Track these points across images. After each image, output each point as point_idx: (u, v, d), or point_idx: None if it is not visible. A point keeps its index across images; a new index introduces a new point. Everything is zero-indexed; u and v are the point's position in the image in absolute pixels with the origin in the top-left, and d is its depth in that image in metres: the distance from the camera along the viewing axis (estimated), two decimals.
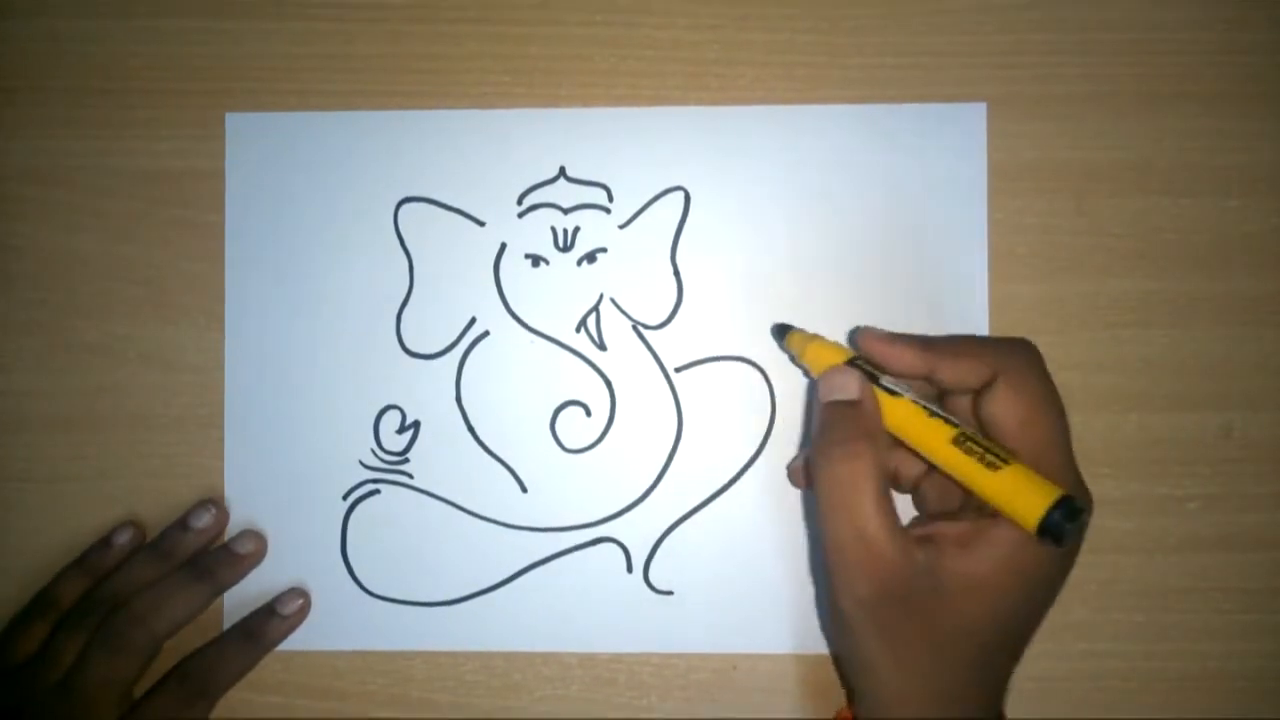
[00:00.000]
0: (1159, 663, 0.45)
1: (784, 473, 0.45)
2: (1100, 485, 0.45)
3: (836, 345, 0.41)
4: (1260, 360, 0.45)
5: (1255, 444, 0.45)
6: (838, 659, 0.44)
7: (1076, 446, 0.45)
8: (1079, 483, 0.37)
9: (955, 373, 0.37)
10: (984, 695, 0.38)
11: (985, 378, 0.37)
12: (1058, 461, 0.36)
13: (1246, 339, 0.45)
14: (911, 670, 0.36)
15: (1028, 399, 0.36)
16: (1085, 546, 0.44)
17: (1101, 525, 0.45)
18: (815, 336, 0.41)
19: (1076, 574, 0.45)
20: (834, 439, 0.37)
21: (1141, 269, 0.45)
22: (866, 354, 0.39)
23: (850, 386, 0.37)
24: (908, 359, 0.38)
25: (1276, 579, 0.45)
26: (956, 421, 0.36)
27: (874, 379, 0.38)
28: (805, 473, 0.43)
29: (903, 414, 0.37)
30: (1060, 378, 0.45)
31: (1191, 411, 0.45)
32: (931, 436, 0.36)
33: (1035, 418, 0.36)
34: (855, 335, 0.40)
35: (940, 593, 0.35)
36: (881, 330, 0.39)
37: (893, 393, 0.37)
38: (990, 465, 0.34)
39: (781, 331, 0.43)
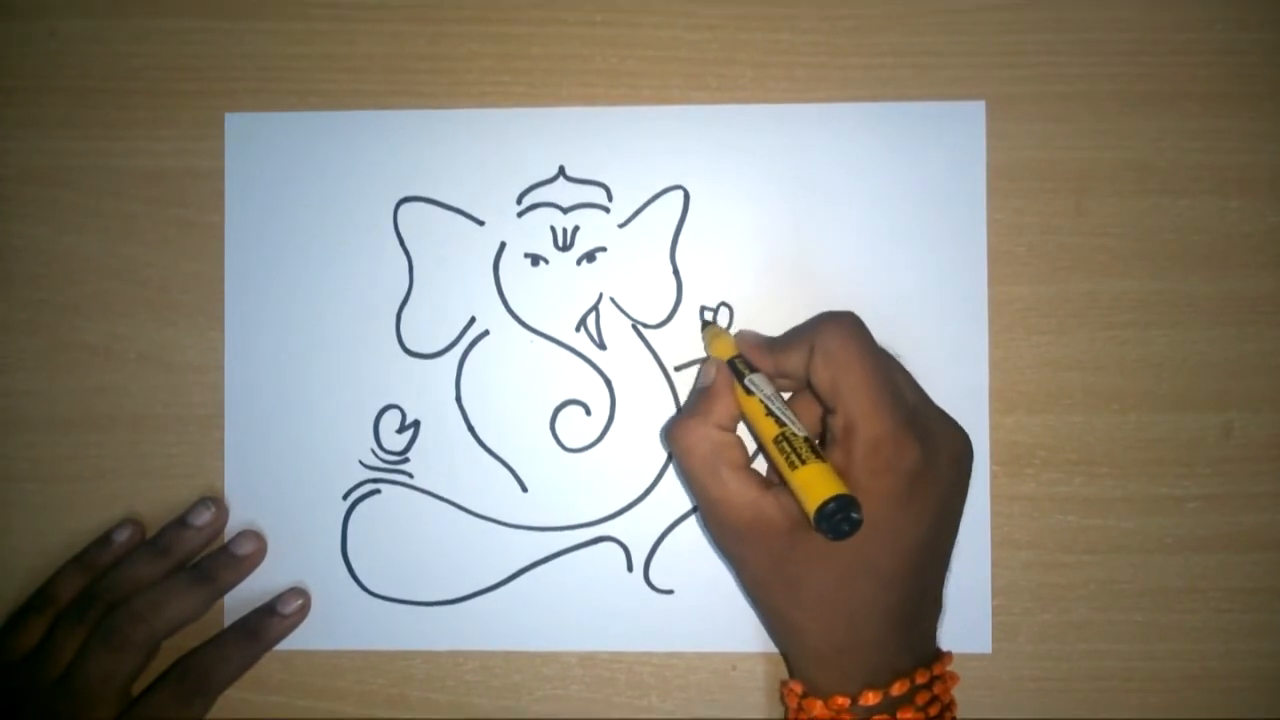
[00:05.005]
0: (1159, 663, 0.45)
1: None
2: (1100, 485, 0.45)
3: (729, 343, 0.43)
4: (1260, 360, 0.45)
5: (1255, 444, 0.45)
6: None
7: (1077, 446, 0.45)
8: (902, 427, 0.38)
9: (789, 362, 0.41)
10: (883, 632, 0.40)
11: (808, 355, 0.40)
12: (868, 410, 0.38)
13: (1246, 339, 0.45)
14: (793, 608, 0.40)
15: (834, 360, 0.39)
16: (1085, 546, 0.45)
17: (1101, 525, 0.45)
18: (721, 332, 0.44)
19: (1077, 574, 0.45)
20: (682, 416, 0.42)
21: (1141, 269, 0.45)
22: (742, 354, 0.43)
23: (709, 375, 0.42)
24: (760, 360, 0.42)
25: (1276, 579, 0.45)
26: (787, 422, 0.39)
27: (742, 377, 0.41)
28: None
29: (750, 409, 0.41)
30: (1060, 378, 0.45)
31: (1191, 411, 0.45)
32: (763, 431, 0.40)
33: (841, 375, 0.39)
34: (736, 337, 0.44)
35: (794, 534, 0.39)
36: (750, 334, 0.44)
37: (748, 391, 0.41)
38: (791, 464, 0.38)
39: (704, 325, 0.46)
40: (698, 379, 0.44)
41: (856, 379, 0.39)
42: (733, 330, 0.45)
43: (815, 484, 0.37)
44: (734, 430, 0.41)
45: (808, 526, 0.38)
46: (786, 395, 0.43)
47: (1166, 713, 0.45)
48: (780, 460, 0.39)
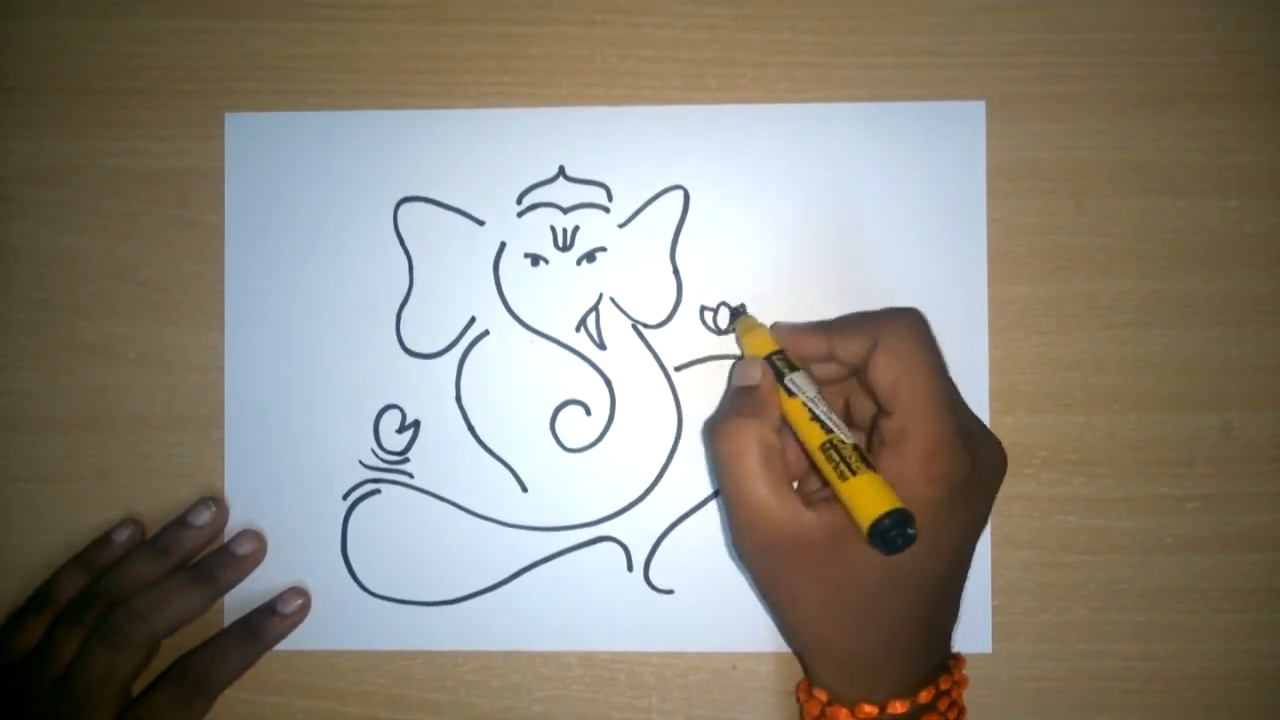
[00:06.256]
0: (1159, 663, 0.45)
1: None
2: (1100, 485, 0.45)
3: (767, 336, 0.42)
4: (1260, 360, 0.45)
5: (1255, 444, 0.45)
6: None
7: (1077, 446, 0.45)
8: (955, 437, 0.38)
9: (847, 349, 0.40)
10: (914, 640, 0.40)
11: (869, 348, 0.39)
12: (927, 417, 0.38)
13: (1246, 339, 0.45)
14: (825, 621, 0.40)
15: (899, 362, 0.38)
16: (1085, 546, 0.45)
17: (1101, 525, 0.45)
18: (756, 325, 0.43)
19: (1077, 574, 0.45)
20: (727, 417, 0.40)
21: (1141, 269, 0.45)
22: (783, 346, 0.42)
23: (754, 375, 0.41)
24: (810, 344, 0.41)
25: (1276, 579, 0.45)
26: (834, 427, 0.38)
27: (781, 376, 0.40)
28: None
29: (794, 413, 0.40)
30: (1060, 378, 0.45)
31: (1191, 411, 0.45)
32: (808, 436, 0.39)
33: (905, 379, 0.38)
34: (773, 329, 0.43)
35: (836, 547, 0.38)
36: (792, 323, 0.43)
37: (790, 393, 0.40)
38: (841, 475, 0.37)
39: (735, 316, 0.45)
40: (734, 377, 0.43)
41: (920, 384, 0.38)
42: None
43: (869, 497, 0.36)
44: (781, 434, 0.40)
45: (848, 540, 0.37)
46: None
47: (1166, 713, 0.45)
48: (828, 469, 0.38)
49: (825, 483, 0.39)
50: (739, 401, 0.41)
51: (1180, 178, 0.45)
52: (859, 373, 0.40)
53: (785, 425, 0.40)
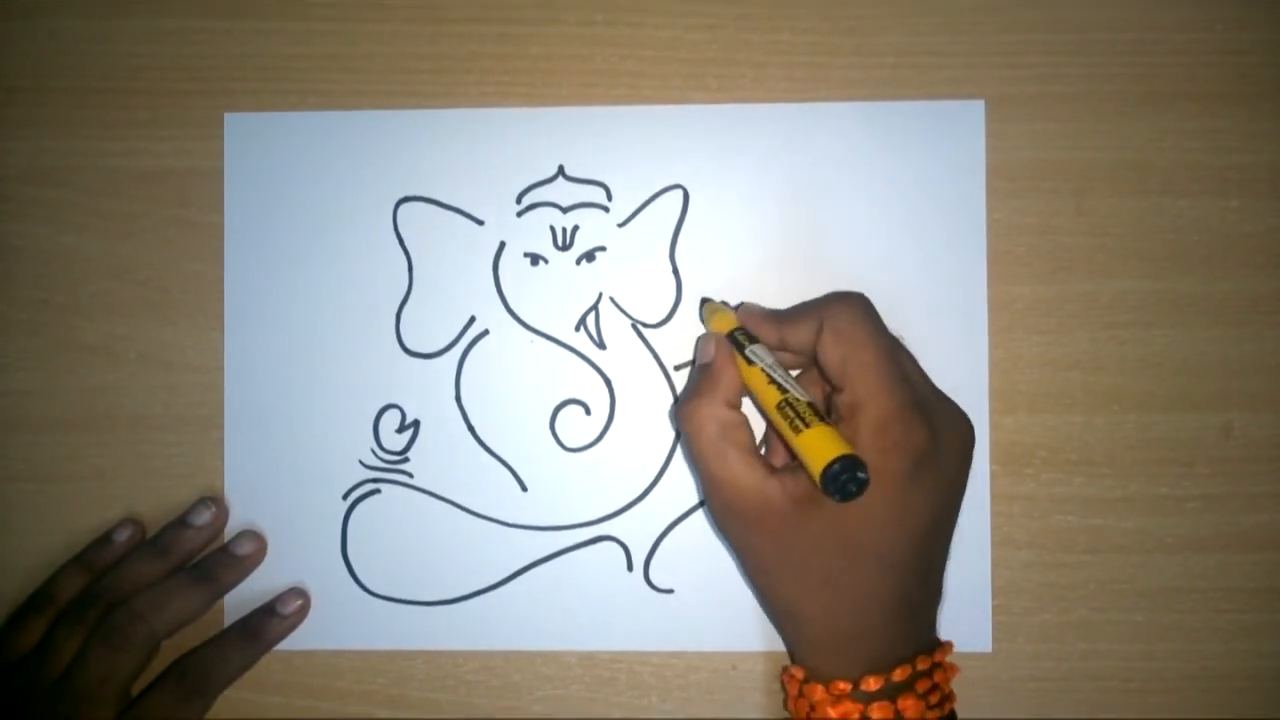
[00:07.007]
0: (1159, 663, 0.45)
1: None
2: (1100, 485, 0.45)
3: (728, 315, 0.43)
4: (1260, 360, 0.45)
5: (1255, 444, 0.45)
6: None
7: (1077, 446, 0.45)
8: (909, 407, 0.38)
9: (796, 336, 0.41)
10: (885, 617, 0.40)
11: (816, 331, 0.40)
12: (876, 389, 0.38)
13: (1246, 339, 0.45)
14: (794, 591, 0.40)
15: (845, 339, 0.39)
16: (1085, 546, 0.45)
17: (1101, 525, 0.45)
18: (719, 308, 0.44)
19: (1077, 574, 0.45)
20: (686, 395, 0.41)
21: (1141, 269, 0.45)
22: (745, 326, 0.43)
23: (708, 351, 0.42)
24: (764, 332, 0.42)
25: (1276, 579, 0.45)
26: (789, 388, 0.39)
27: (741, 348, 0.41)
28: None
29: (753, 379, 0.40)
30: (1060, 378, 0.45)
31: (1191, 411, 0.45)
32: (766, 400, 0.40)
33: (852, 354, 0.39)
34: (739, 310, 0.44)
35: (798, 514, 0.39)
36: (754, 306, 0.44)
37: (749, 361, 0.41)
38: (795, 428, 0.38)
39: (703, 303, 0.45)
40: (696, 355, 0.44)
41: (867, 358, 0.39)
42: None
43: (820, 446, 0.37)
44: (739, 407, 0.41)
45: (811, 507, 0.38)
46: (794, 373, 0.43)
47: (1166, 713, 0.45)
48: (784, 426, 0.38)
49: (786, 446, 0.39)
50: (696, 380, 0.42)
51: (1180, 178, 0.45)
52: (812, 358, 0.41)
53: (750, 396, 0.41)
